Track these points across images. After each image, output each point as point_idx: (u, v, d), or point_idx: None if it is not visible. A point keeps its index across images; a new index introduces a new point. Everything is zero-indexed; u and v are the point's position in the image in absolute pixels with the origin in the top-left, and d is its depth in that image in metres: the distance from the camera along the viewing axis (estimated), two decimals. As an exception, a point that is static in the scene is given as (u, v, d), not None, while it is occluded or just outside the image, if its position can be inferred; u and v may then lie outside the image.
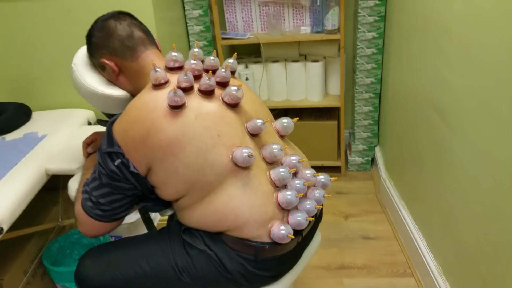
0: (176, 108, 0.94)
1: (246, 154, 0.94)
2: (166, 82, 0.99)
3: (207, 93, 0.99)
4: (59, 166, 1.34)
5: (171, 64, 1.04)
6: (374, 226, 2.01)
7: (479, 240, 1.20)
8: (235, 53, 1.13)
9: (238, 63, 2.30)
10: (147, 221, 1.45)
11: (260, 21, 2.25)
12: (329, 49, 2.25)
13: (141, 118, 0.94)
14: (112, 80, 1.11)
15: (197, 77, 1.02)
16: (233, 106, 1.01)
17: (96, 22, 1.09)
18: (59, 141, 1.48)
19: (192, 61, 1.02)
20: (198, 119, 0.95)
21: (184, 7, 2.17)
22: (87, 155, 1.28)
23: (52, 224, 1.65)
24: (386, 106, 2.17)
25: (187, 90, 0.97)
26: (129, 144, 0.94)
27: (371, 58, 2.17)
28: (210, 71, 1.01)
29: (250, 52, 2.49)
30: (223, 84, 1.03)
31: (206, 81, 0.98)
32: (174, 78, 1.00)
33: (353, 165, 2.48)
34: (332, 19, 2.07)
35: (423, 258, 1.61)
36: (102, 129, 1.59)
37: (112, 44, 1.05)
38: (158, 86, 0.98)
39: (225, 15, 2.25)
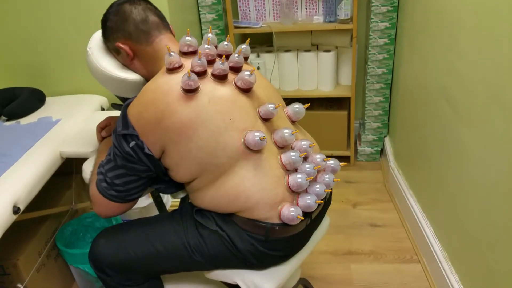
0: (190, 91, 0.96)
1: (258, 138, 0.95)
2: (180, 66, 1.00)
3: (220, 78, 1.01)
4: (73, 149, 1.36)
5: (185, 49, 1.05)
6: (382, 214, 2.03)
7: (484, 227, 1.22)
8: (248, 38, 1.15)
9: (250, 52, 2.30)
10: (159, 204, 1.48)
11: (273, 10, 2.25)
12: (341, 39, 2.26)
13: (156, 101, 0.96)
14: (127, 64, 1.13)
15: (211, 62, 1.03)
16: (246, 90, 1.03)
17: (111, 6, 1.11)
18: (73, 125, 1.51)
19: (206, 46, 1.03)
20: (211, 103, 0.97)
21: (197, -5, 2.18)
22: (101, 139, 1.30)
23: (66, 208, 1.68)
24: (396, 96, 2.17)
25: (201, 74, 0.99)
26: (144, 126, 0.96)
27: (383, 48, 2.17)
28: (224, 56, 1.02)
29: (262, 41, 2.50)
30: (236, 69, 1.05)
31: (220, 65, 0.99)
32: (188, 63, 1.02)
33: (363, 155, 2.48)
34: (345, 9, 2.06)
35: (429, 245, 1.62)
36: (116, 113, 1.62)
37: (127, 28, 1.07)
38: (172, 70, 1.00)
39: (237, 4, 2.26)
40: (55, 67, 1.85)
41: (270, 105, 1.02)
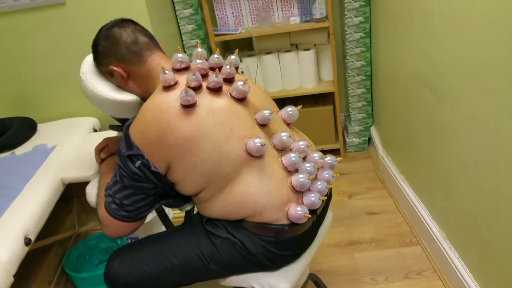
0: (188, 107, 0.99)
1: (259, 144, 0.99)
2: (176, 83, 1.04)
3: (216, 90, 1.04)
4: (74, 174, 1.38)
5: (178, 65, 1.08)
6: (377, 201, 2.09)
7: (477, 202, 1.28)
8: (237, 49, 1.18)
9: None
10: (164, 218, 1.50)
11: (250, 15, 2.29)
12: (319, 36, 2.31)
13: (156, 119, 0.99)
14: (122, 86, 1.16)
15: (204, 76, 1.07)
16: (241, 100, 1.07)
17: (100, 31, 1.13)
18: (69, 150, 1.53)
19: (198, 61, 1.07)
20: (210, 115, 1.00)
21: (174, 7, 2.20)
22: (101, 161, 1.33)
23: (70, 233, 1.69)
24: (377, 86, 2.23)
25: (196, 89, 1.02)
26: (147, 145, 0.99)
27: (360, 42, 2.23)
28: (217, 69, 1.06)
29: (242, 46, 2.54)
30: (229, 80, 1.09)
31: (214, 78, 1.03)
32: (182, 79, 1.05)
33: (351, 146, 2.54)
34: (319, 8, 2.12)
35: (426, 226, 1.69)
36: (111, 134, 1.63)
37: (118, 51, 1.10)
38: (168, 87, 1.03)
39: (215, 12, 2.29)
40: (41, 93, 1.86)
41: (266, 111, 1.06)
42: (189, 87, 1.00)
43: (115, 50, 1.10)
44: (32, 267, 1.50)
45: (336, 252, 1.81)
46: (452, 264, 1.48)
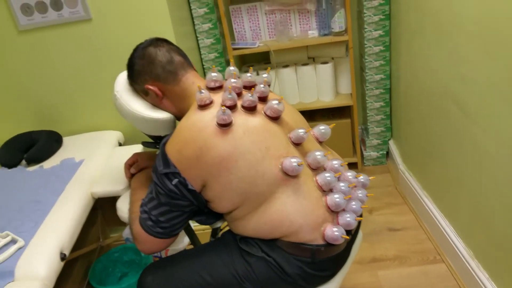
0: (225, 126, 1.00)
1: (296, 163, 1.00)
2: (211, 102, 1.05)
3: (251, 109, 1.05)
4: (104, 189, 1.39)
5: (212, 84, 1.10)
6: (399, 217, 2.08)
7: (511, 223, 1.27)
8: (269, 67, 1.20)
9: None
10: (190, 233, 1.51)
11: (268, 28, 2.31)
12: (337, 50, 2.32)
13: (193, 138, 1.00)
14: (156, 104, 1.17)
15: (238, 94, 1.08)
16: (275, 118, 1.08)
17: (136, 50, 1.15)
18: (97, 164, 1.54)
19: (232, 80, 1.08)
20: (246, 134, 1.01)
21: (193, 22, 2.22)
22: (130, 176, 1.34)
23: (94, 245, 1.70)
24: (398, 100, 2.24)
25: (232, 108, 1.03)
26: (184, 163, 1.00)
27: (379, 55, 2.24)
28: (253, 88, 1.07)
29: (259, 59, 2.56)
30: (263, 99, 1.10)
31: (250, 97, 1.04)
32: (216, 97, 1.06)
33: (369, 160, 2.54)
34: (339, 21, 2.13)
35: (452, 244, 1.67)
36: (138, 148, 1.65)
37: (154, 70, 1.11)
38: (203, 106, 1.04)
39: (233, 26, 2.31)
40: (66, 107, 1.88)
41: (300, 130, 1.07)
42: (225, 106, 1.01)
43: (151, 69, 1.11)
44: (58, 281, 1.50)
45: (359, 269, 1.80)
46: (481, 284, 1.47)
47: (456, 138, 1.55)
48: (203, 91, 1.03)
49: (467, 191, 1.53)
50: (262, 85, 1.09)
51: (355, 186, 1.13)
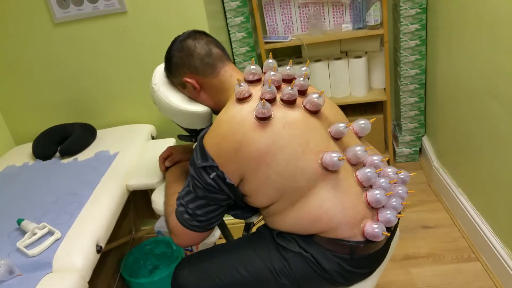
0: (264, 119, 0.98)
1: (336, 158, 0.97)
2: (250, 96, 1.03)
3: (290, 103, 1.03)
4: (139, 182, 1.40)
5: (251, 77, 1.08)
6: (432, 215, 2.03)
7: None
8: (308, 60, 1.17)
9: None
10: (222, 226, 1.50)
11: (300, 22, 2.28)
12: (371, 44, 2.27)
13: (232, 131, 0.99)
14: (194, 97, 1.16)
15: (277, 88, 1.06)
16: (315, 112, 1.05)
17: (174, 43, 1.14)
18: (131, 157, 1.55)
19: (272, 73, 1.06)
20: (285, 128, 0.99)
21: (226, 15, 2.21)
22: (165, 169, 1.34)
23: (127, 238, 1.72)
24: (433, 96, 2.18)
25: (271, 101, 1.02)
26: (222, 157, 0.99)
27: (415, 49, 2.18)
28: (293, 81, 1.05)
29: (290, 53, 2.53)
30: (302, 92, 1.07)
31: (289, 91, 1.02)
32: (255, 90, 1.05)
33: (401, 156, 2.49)
34: (374, 15, 2.08)
35: (488, 242, 1.63)
36: (172, 141, 1.65)
37: (193, 63, 1.10)
38: (242, 99, 1.03)
39: (265, 20, 2.29)
40: (99, 100, 1.90)
41: (340, 125, 1.05)
42: (264, 99, 0.99)
43: (189, 62, 1.11)
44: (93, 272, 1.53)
45: (392, 266, 1.77)
46: (520, 284, 1.42)
47: (494, 135, 1.50)
48: (242, 84, 1.02)
49: (505, 188, 1.48)
50: (301, 79, 1.07)
51: (395, 183, 1.10)
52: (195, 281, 1.11)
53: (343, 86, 2.36)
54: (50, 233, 1.18)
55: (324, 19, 2.26)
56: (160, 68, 1.22)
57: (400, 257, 1.80)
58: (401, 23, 2.13)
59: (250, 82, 1.08)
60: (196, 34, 1.14)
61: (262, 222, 1.17)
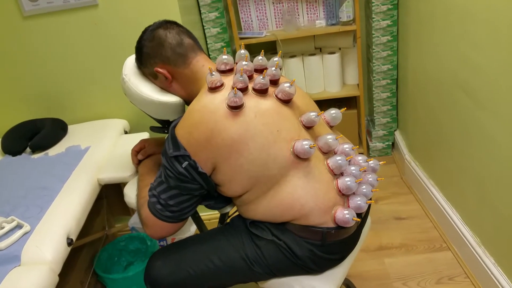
0: (236, 108, 0.99)
1: (308, 146, 0.99)
2: (222, 85, 1.03)
3: (262, 92, 1.04)
4: (111, 175, 1.38)
5: (223, 67, 1.08)
6: (404, 206, 2.07)
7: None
8: (280, 51, 1.18)
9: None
10: (198, 221, 1.50)
11: (275, 18, 2.30)
12: (344, 40, 2.31)
13: (204, 120, 0.99)
14: (165, 87, 1.16)
15: (249, 77, 1.06)
16: (287, 101, 1.07)
17: (144, 32, 1.13)
18: (103, 151, 1.53)
19: (244, 62, 1.06)
20: (257, 117, 1.00)
21: (200, 10, 2.21)
22: (138, 162, 1.33)
23: (100, 233, 1.69)
24: (405, 90, 2.22)
25: (243, 90, 1.02)
26: (194, 146, 0.99)
27: (387, 45, 2.22)
28: (265, 70, 1.05)
29: (265, 49, 2.53)
30: (274, 82, 1.08)
31: (261, 80, 1.03)
32: (227, 80, 1.05)
33: (375, 151, 2.53)
34: (347, 11, 2.12)
35: (458, 231, 1.67)
36: (145, 136, 1.64)
37: (164, 53, 1.10)
38: (214, 89, 1.03)
39: (240, 15, 2.29)
40: (71, 95, 1.86)
41: (312, 113, 1.06)
42: (235, 88, 1.00)
43: (161, 51, 1.10)
44: (64, 268, 1.50)
45: (365, 257, 1.79)
46: (488, 270, 1.46)
47: (464, 127, 1.54)
48: (214, 73, 1.02)
49: (474, 179, 1.52)
50: (273, 68, 1.08)
51: (365, 170, 1.12)
52: (168, 272, 1.10)
53: (318, 82, 2.39)
54: (19, 226, 1.15)
55: (298, 15, 2.28)
56: (131, 59, 1.21)
57: (374, 248, 1.83)
58: (373, 19, 2.17)
59: (222, 72, 1.09)
60: (167, 24, 1.13)
61: (237, 214, 1.18)
